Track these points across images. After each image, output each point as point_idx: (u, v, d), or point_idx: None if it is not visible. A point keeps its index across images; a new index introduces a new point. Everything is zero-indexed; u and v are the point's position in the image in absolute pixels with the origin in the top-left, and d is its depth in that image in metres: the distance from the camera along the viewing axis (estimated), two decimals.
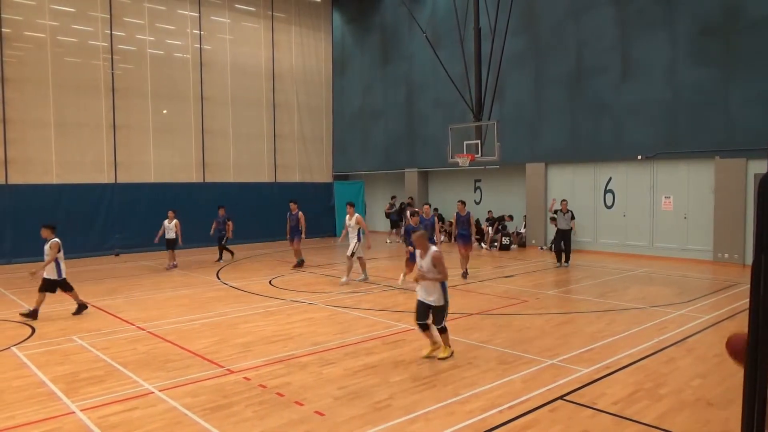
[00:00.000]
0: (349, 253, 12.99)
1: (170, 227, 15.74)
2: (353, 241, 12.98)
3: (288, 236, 15.92)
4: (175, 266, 15.74)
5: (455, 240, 13.92)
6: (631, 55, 16.86)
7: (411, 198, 24.01)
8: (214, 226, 17.25)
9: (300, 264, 15.61)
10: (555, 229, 18.58)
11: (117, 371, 6.76)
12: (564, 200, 15.66)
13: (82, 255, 18.10)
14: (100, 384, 6.30)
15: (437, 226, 13.15)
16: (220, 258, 17.18)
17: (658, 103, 16.27)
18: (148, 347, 7.82)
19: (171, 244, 15.80)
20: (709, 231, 15.52)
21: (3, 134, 17.41)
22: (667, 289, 11.91)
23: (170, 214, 15.93)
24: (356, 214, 13.20)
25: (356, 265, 13.26)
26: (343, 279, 12.92)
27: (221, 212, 17.23)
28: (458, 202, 13.77)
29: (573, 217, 15.31)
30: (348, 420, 5.28)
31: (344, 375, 6.55)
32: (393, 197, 24.21)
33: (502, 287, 12.30)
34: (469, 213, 13.58)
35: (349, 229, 13.19)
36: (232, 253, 17.58)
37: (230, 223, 17.23)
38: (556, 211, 15.51)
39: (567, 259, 15.22)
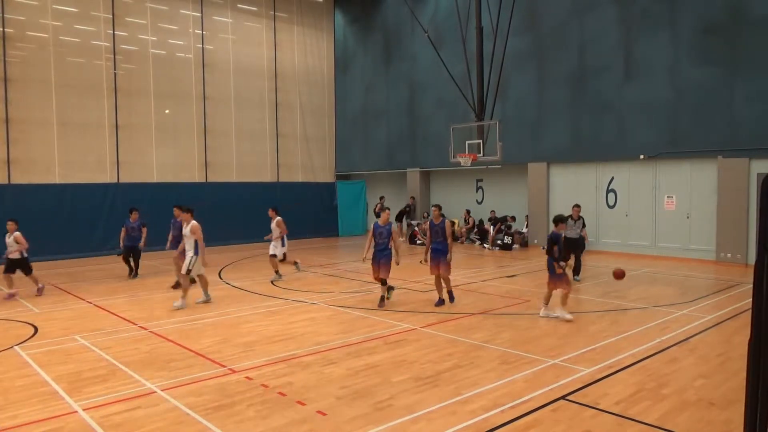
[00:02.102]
0: (183, 270, 10.49)
1: (10, 243, 11.34)
2: (188, 254, 10.43)
3: (169, 245, 13.05)
4: (12, 296, 11.28)
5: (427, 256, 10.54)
6: (634, 55, 16.83)
7: (413, 198, 24.02)
8: (123, 233, 13.78)
9: (177, 285, 12.18)
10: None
11: (120, 371, 6.77)
12: (577, 205, 13.29)
13: (85, 254, 18.17)
14: (103, 383, 6.31)
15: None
16: (134, 272, 13.95)
17: (660, 103, 16.24)
18: (151, 347, 7.84)
19: (11, 266, 11.40)
20: (711, 231, 15.49)
21: (6, 134, 17.46)
22: (669, 289, 11.89)
23: (10, 225, 11.48)
24: (193, 222, 10.50)
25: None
26: (177, 303, 10.39)
27: (134, 216, 13.81)
28: (432, 207, 10.68)
29: (584, 225, 13.18)
30: (350, 420, 5.28)
31: (346, 375, 6.55)
32: (381, 197, 24.25)
33: (505, 287, 12.29)
34: (444, 220, 10.45)
35: (185, 240, 10.75)
36: (136, 271, 14.01)
37: (145, 229, 13.89)
38: (567, 217, 12.68)
39: (577, 273, 12.93)
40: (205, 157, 21.77)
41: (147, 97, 20.25)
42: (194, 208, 10.98)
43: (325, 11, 25.88)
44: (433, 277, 10.55)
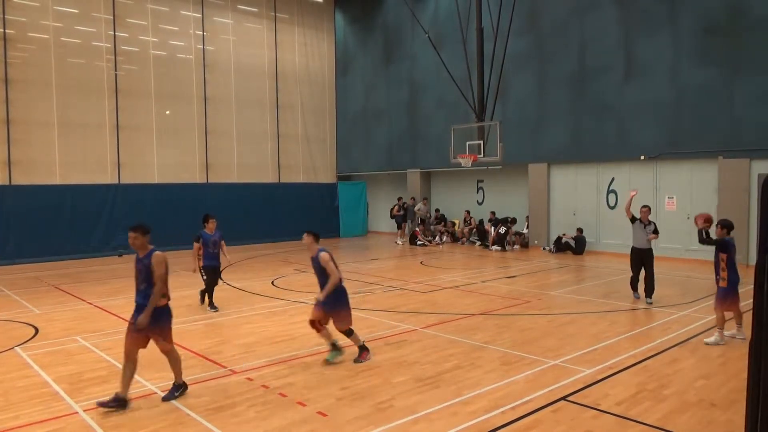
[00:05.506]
0: None
1: None
2: None
3: None
4: None
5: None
6: (635, 55, 16.82)
7: (413, 198, 24.00)
8: (199, 250, 10.42)
9: None
10: (563, 234, 18.61)
11: (120, 371, 6.76)
12: (646, 206, 11.07)
13: (86, 255, 18.16)
14: (104, 384, 6.32)
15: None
16: (212, 303, 10.33)
17: (661, 103, 16.23)
18: (151, 348, 7.81)
19: None
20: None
21: (7, 135, 17.47)
22: (670, 289, 11.87)
23: None
24: None
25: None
26: None
27: (212, 225, 10.27)
28: (130, 229, 5.98)
29: (656, 231, 10.73)
30: (351, 420, 5.28)
31: (347, 375, 6.55)
32: (400, 198, 24.16)
33: (505, 288, 12.29)
34: (153, 252, 5.92)
35: None
36: (211, 301, 10.38)
37: (223, 243, 10.43)
38: (634, 218, 10.84)
39: (650, 293, 10.48)
40: (206, 158, 21.78)
41: (148, 98, 20.26)
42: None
43: (325, 12, 25.91)
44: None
